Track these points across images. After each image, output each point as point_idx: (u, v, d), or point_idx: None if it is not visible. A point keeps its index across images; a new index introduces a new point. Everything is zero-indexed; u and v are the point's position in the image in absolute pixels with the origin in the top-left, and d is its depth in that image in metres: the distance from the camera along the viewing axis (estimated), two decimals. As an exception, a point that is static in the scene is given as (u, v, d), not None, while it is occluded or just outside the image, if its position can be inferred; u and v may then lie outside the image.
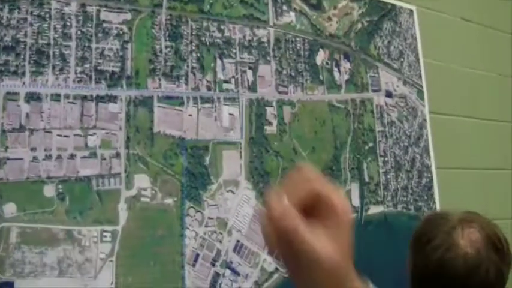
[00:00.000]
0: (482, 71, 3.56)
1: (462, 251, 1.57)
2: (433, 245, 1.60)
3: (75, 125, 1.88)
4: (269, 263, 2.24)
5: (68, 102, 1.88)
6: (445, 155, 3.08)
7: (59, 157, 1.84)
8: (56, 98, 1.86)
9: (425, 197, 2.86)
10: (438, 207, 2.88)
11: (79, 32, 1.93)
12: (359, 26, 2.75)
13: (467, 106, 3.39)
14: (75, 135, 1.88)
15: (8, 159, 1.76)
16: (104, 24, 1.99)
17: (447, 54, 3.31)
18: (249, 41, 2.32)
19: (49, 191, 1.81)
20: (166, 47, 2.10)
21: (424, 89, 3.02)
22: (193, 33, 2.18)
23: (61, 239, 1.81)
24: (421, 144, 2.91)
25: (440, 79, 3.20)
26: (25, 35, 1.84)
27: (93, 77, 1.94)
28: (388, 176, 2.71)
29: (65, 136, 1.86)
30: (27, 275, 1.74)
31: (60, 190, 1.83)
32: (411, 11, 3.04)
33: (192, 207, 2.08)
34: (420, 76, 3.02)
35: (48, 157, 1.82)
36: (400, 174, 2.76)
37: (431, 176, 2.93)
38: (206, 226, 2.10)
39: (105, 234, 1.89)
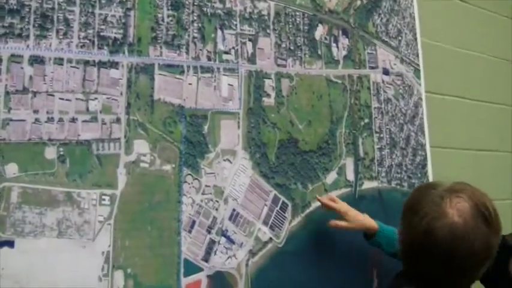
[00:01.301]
0: (478, 53, 3.59)
1: (449, 220, 1.58)
2: (421, 214, 1.62)
3: (77, 89, 1.91)
4: (264, 232, 2.27)
5: (71, 67, 1.90)
6: (439, 134, 3.12)
7: (60, 120, 1.86)
8: (59, 61, 1.88)
9: (419, 175, 2.90)
10: (431, 185, 2.91)
11: (83, -2, 1.96)
12: (358, 3, 2.77)
13: (463, 87, 3.43)
14: (77, 99, 1.90)
15: (11, 120, 1.78)
16: (108, -9, 2.01)
17: (444, 35, 3.34)
18: (250, 13, 2.34)
19: (50, 153, 1.84)
20: (168, 16, 2.12)
21: (421, 68, 3.04)
22: (195, 3, 2.20)
23: (61, 200, 1.84)
24: (416, 122, 2.94)
25: (437, 59, 3.23)
26: (30, -1, 1.86)
27: (96, 43, 1.96)
28: (383, 153, 2.74)
29: (67, 100, 1.88)
30: (27, 234, 1.77)
31: (61, 152, 1.85)
32: (410, -10, 3.06)
33: (189, 174, 2.10)
34: (417, 55, 3.04)
35: (50, 120, 1.85)
36: (394, 151, 2.79)
37: (426, 154, 2.97)
38: (203, 194, 2.13)
39: (104, 197, 1.92)
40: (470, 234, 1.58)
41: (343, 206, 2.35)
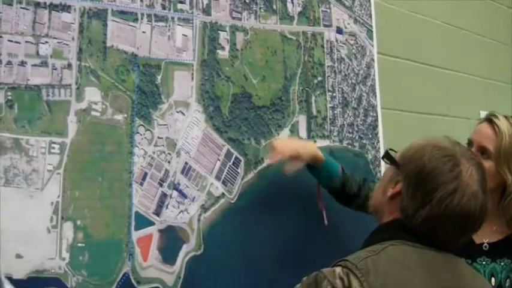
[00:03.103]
0: (431, 18, 3.60)
1: (470, 190, 1.60)
2: (440, 188, 1.60)
3: (27, 31, 1.82)
4: (216, 187, 2.24)
5: (21, 8, 1.81)
6: (390, 96, 3.12)
7: (9, 63, 1.78)
8: (8, 1, 1.78)
9: (370, 136, 2.89)
10: (382, 146, 2.91)
11: None
12: (314, -41, 2.73)
13: (415, 51, 3.43)
14: (26, 42, 1.82)
15: (-44, 61, 1.71)
16: None
17: (398, -2, 3.33)
18: (206, -38, 2.28)
19: (-3, 97, 1.76)
20: (122, -40, 2.05)
21: (374, 30, 3.02)
22: None
23: (8, 147, 1.76)
24: (368, 83, 2.93)
25: (390, 21, 3.22)
26: None
27: (47, -15, 1.88)
28: (335, 112, 2.72)
29: (16, 42, 1.80)
30: (-28, 182, 1.71)
31: (9, 97, 1.77)
32: (364, -51, 3.03)
33: (141, 125, 2.05)
34: (370, 16, 3.02)
35: (-3, 62, 1.77)
36: (346, 111, 2.77)
37: (377, 116, 2.96)
38: (155, 145, 2.08)
39: (53, 145, 1.85)
40: (486, 200, 1.63)
41: (287, 148, 2.31)
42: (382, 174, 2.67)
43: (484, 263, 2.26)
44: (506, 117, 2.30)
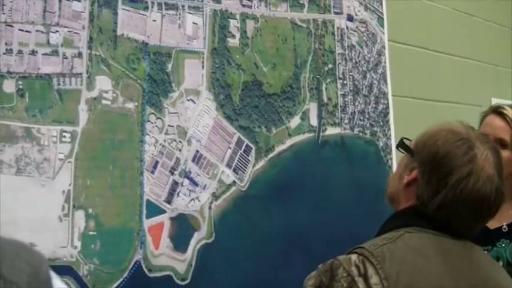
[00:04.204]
0: (442, 5, 3.58)
1: (485, 173, 1.57)
2: (456, 171, 1.58)
3: (37, 20, 1.82)
4: (227, 175, 2.24)
5: (31, -3, 1.82)
6: (402, 84, 3.11)
7: (19, 52, 1.78)
8: (18, -9, 1.80)
9: (381, 123, 2.88)
10: (393, 133, 2.90)
11: None
12: None
13: (425, 37, 3.42)
14: (37, 31, 1.82)
15: (-33, 50, 1.71)
16: None
17: (409, -15, 3.32)
18: (216, -50, 2.28)
19: (9, 86, 1.76)
20: (132, -51, 2.05)
21: (384, 17, 3.01)
22: None
23: (20, 136, 1.77)
24: (379, 70, 2.92)
25: (400, 8, 3.20)
26: None
27: (57, -27, 1.88)
28: (346, 99, 2.71)
29: (27, 31, 1.81)
30: (-16, 171, 1.71)
31: (20, 86, 1.78)
32: None
33: (152, 113, 2.05)
34: (381, 3, 3.01)
35: (8, 51, 1.76)
36: (357, 98, 2.77)
37: (388, 103, 2.95)
38: (166, 134, 2.08)
39: (64, 134, 1.85)
40: (502, 184, 1.60)
41: None
42: (393, 161, 2.67)
43: (503, 245, 2.26)
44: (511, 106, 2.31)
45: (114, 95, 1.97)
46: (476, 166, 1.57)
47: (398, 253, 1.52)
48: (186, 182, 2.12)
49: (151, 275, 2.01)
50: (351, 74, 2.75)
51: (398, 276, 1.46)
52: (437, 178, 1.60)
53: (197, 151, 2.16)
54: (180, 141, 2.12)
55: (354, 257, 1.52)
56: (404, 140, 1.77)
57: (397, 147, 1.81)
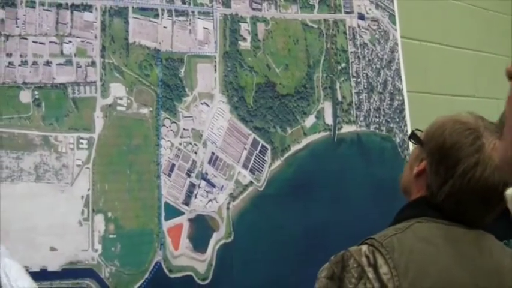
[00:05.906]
0: (455, 0, 3.59)
1: (494, 162, 1.56)
2: (463, 161, 1.59)
3: (50, 32, 1.88)
4: (244, 176, 2.28)
5: (43, 10, 1.87)
6: (416, 79, 3.13)
7: (34, 63, 1.84)
8: (31, 4, 1.85)
9: (397, 119, 2.90)
10: (409, 129, 2.92)
11: None
12: None
13: (438, 32, 3.43)
14: (50, 42, 1.88)
15: (-16, 64, 1.77)
16: None
17: (419, -20, 3.33)
18: (223, -44, 2.32)
19: (25, 96, 1.82)
20: (141, -42, 2.10)
21: (396, 14, 3.03)
22: None
23: (37, 144, 1.82)
24: (392, 67, 2.94)
25: (412, 4, 3.22)
26: None
27: (68, -15, 1.93)
28: (361, 97, 2.74)
29: (41, 43, 1.86)
30: (5, 179, 1.76)
31: (36, 96, 1.84)
32: None
33: (167, 118, 2.10)
34: (392, 1, 3.03)
35: (23, 63, 1.82)
36: (372, 96, 2.79)
37: (403, 99, 2.97)
38: (181, 137, 2.12)
39: (81, 141, 1.90)
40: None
41: None
42: (410, 156, 2.69)
43: None
44: None
45: (129, 101, 2.02)
46: (484, 155, 1.58)
47: (408, 243, 1.54)
48: (203, 183, 2.16)
49: (172, 275, 2.05)
50: (364, 72, 2.78)
51: (407, 266, 1.49)
52: (445, 168, 1.62)
53: (213, 153, 2.20)
54: (196, 144, 2.16)
55: (364, 247, 1.55)
56: (416, 131, 1.79)
57: (409, 138, 1.83)
